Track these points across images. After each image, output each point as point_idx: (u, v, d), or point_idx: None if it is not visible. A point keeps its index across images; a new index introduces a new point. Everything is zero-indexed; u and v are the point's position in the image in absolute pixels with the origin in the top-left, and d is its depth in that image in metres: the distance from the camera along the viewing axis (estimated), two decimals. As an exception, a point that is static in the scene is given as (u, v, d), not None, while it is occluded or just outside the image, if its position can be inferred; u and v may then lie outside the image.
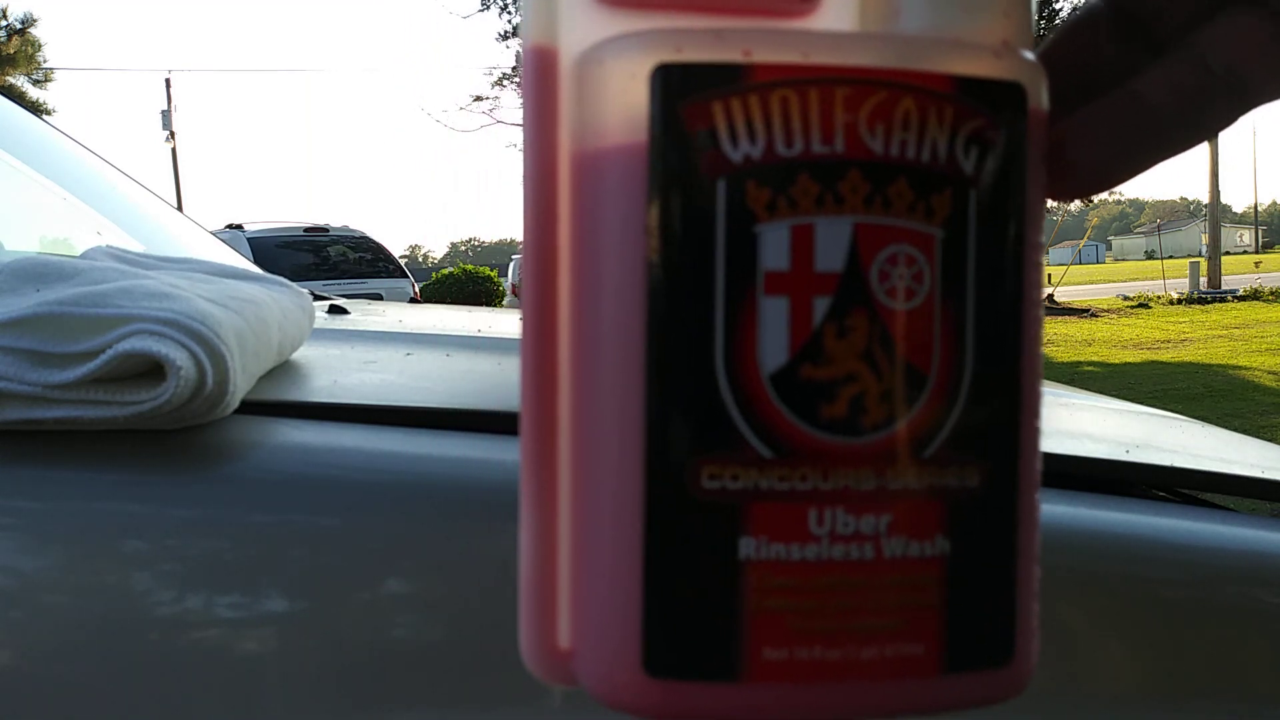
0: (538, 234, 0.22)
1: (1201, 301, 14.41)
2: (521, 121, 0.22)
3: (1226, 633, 0.48)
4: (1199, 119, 0.25)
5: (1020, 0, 0.23)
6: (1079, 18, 0.27)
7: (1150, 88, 0.25)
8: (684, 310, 0.20)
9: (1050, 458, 0.58)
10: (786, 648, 0.21)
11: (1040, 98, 0.22)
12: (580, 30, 0.22)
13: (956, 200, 0.21)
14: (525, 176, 0.22)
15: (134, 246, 1.08)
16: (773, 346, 0.20)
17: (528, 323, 0.22)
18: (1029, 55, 0.22)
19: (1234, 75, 0.24)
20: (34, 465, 0.46)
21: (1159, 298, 14.89)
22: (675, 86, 0.20)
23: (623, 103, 0.20)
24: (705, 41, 0.20)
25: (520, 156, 0.23)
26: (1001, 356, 0.22)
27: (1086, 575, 0.47)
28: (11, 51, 14.75)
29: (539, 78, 0.22)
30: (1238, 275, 21.34)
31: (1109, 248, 73.25)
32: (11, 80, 14.99)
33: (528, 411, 0.22)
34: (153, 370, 0.46)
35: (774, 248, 0.20)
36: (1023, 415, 0.22)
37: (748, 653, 0.21)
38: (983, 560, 0.22)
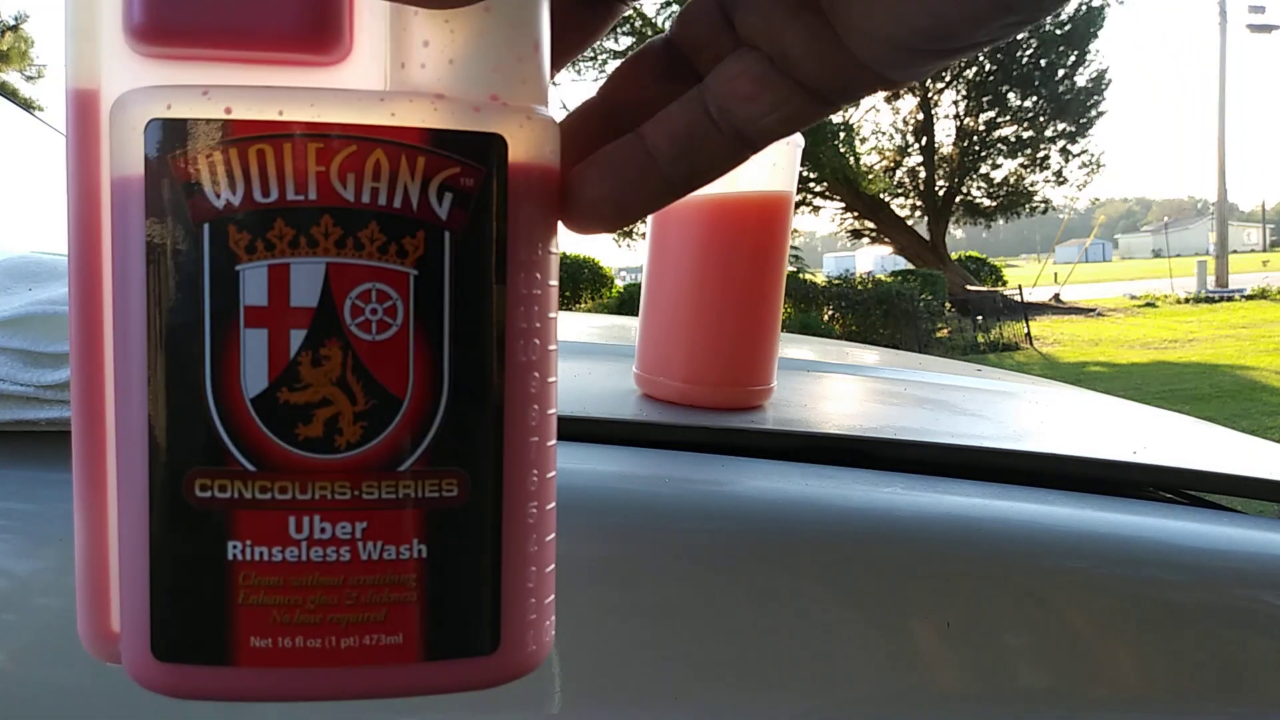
0: (81, 253, 0.24)
1: (1209, 301, 14.39)
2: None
3: (1233, 635, 0.48)
4: (694, 162, 0.25)
5: (518, 56, 0.24)
6: (635, 54, 0.27)
7: (652, 130, 0.25)
8: (176, 339, 0.23)
9: (1057, 459, 0.58)
10: (271, 637, 0.24)
11: (534, 147, 0.24)
12: (119, 78, 0.24)
13: (430, 242, 0.23)
14: (69, 203, 0.24)
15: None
16: (254, 373, 0.23)
17: (75, 337, 0.24)
18: (541, 110, 0.24)
19: (726, 117, 0.24)
20: (27, 466, 0.46)
21: (1166, 297, 14.88)
22: (165, 139, 0.23)
23: (132, 150, 0.23)
24: (192, 99, 0.23)
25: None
26: (481, 382, 0.24)
27: (1092, 576, 0.47)
28: (4, 48, 14.82)
29: (80, 118, 0.24)
30: (1245, 274, 21.30)
31: (1116, 246, 73.16)
32: (4, 77, 15.06)
33: (77, 415, 0.25)
34: (146, 370, 0.46)
35: (254, 285, 0.23)
36: (507, 433, 0.25)
37: (237, 641, 0.24)
38: (463, 562, 0.24)
